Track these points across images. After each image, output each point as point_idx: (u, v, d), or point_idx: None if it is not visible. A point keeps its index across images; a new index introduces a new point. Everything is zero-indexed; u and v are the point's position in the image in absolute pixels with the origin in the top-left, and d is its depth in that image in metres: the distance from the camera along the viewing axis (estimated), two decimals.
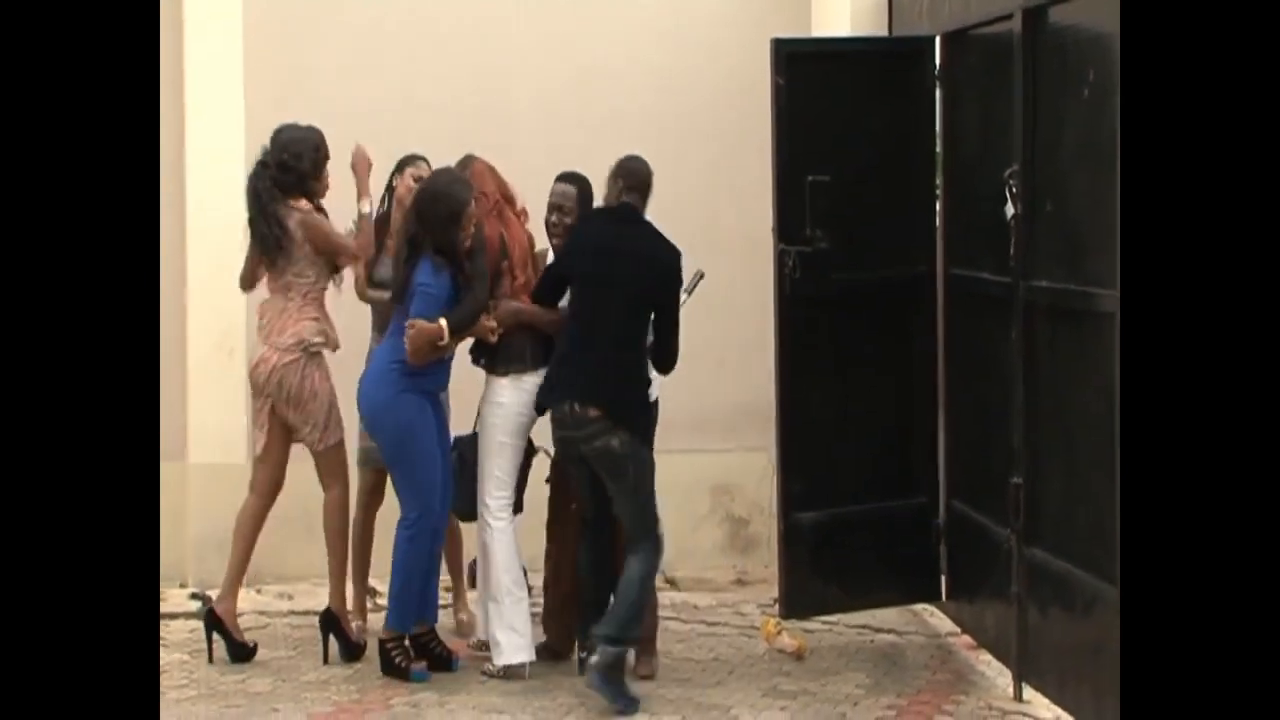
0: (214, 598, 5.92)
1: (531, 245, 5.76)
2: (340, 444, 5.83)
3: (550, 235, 5.71)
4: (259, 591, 6.67)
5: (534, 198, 5.80)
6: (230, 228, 6.71)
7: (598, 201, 5.67)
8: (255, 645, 5.85)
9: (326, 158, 5.73)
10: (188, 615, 6.39)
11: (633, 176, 5.46)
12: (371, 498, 6.05)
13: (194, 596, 6.60)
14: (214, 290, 6.76)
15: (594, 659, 5.26)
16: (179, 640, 6.07)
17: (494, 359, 5.59)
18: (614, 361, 5.34)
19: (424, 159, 5.97)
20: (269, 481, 5.85)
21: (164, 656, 5.83)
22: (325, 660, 5.76)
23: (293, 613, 6.43)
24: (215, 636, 5.80)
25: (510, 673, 5.58)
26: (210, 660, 5.78)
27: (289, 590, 6.68)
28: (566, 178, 5.66)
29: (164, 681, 5.53)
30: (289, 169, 5.65)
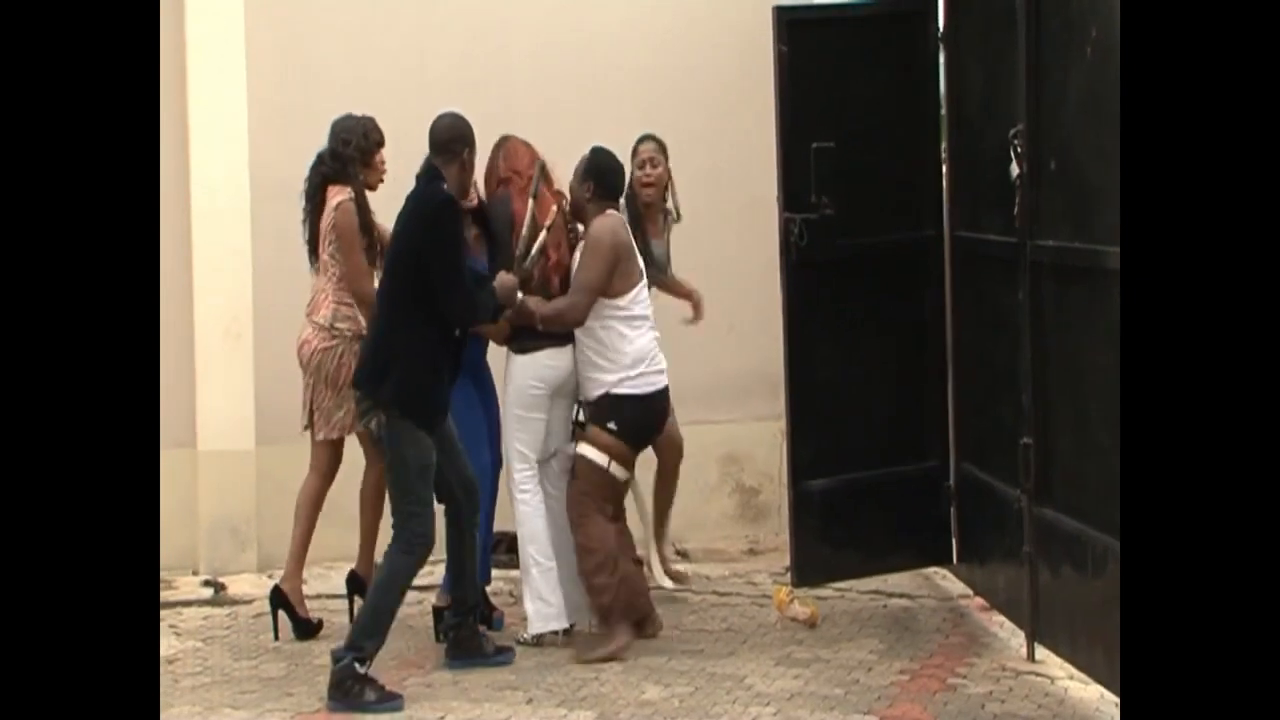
0: (281, 577, 5.97)
1: (566, 223, 5.76)
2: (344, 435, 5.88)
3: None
4: (271, 576, 6.66)
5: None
6: (236, 211, 6.74)
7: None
8: (320, 621, 5.89)
9: (378, 144, 5.74)
10: (200, 603, 6.39)
11: (430, 135, 5.33)
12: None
13: (206, 584, 6.60)
14: (221, 274, 6.76)
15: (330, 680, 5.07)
16: (192, 628, 6.07)
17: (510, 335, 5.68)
18: (380, 335, 5.19)
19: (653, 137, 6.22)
20: (327, 459, 5.89)
21: (177, 644, 5.84)
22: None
23: (305, 597, 6.39)
24: (281, 615, 5.86)
25: (542, 642, 5.63)
26: (276, 638, 5.81)
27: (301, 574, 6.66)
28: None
29: (178, 669, 5.54)
30: (337, 155, 5.71)
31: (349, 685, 5.06)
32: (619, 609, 5.56)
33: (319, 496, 5.90)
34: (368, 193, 5.76)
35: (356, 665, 5.07)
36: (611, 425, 5.52)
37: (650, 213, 6.22)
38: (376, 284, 5.54)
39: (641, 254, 5.80)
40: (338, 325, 5.72)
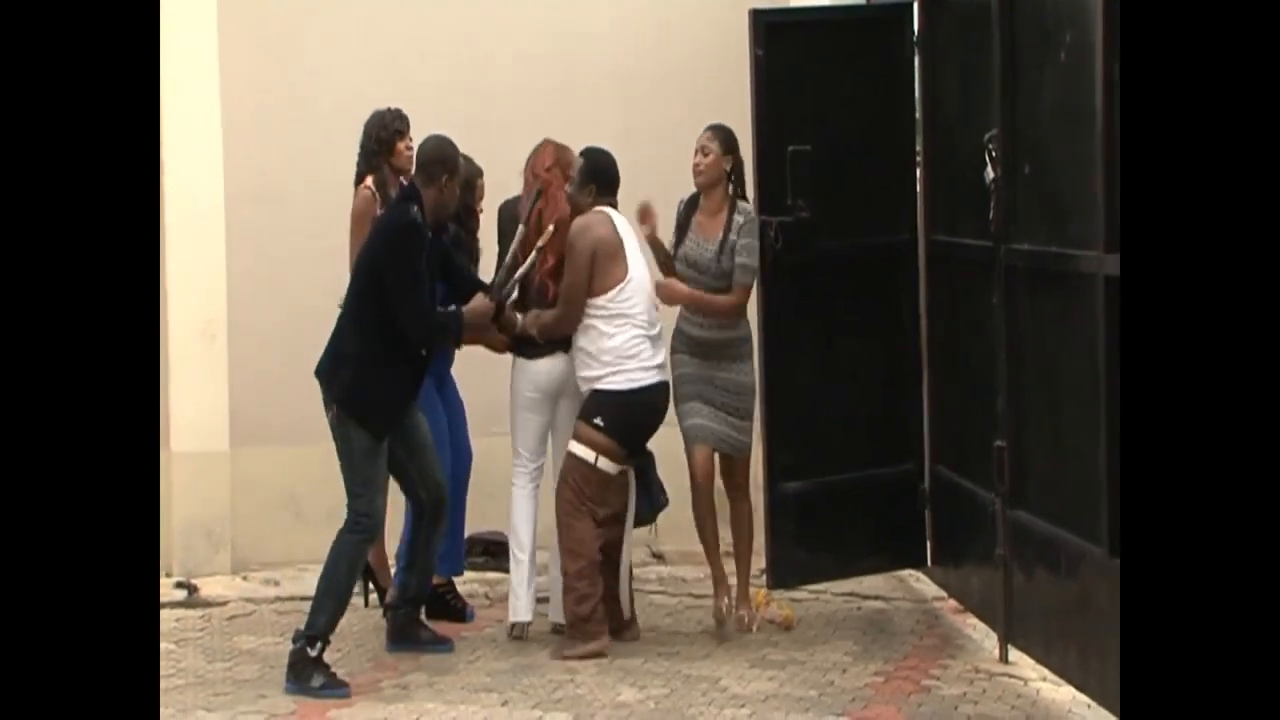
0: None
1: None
2: None
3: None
4: (245, 578, 6.66)
5: (517, 168, 5.83)
6: (210, 212, 6.72)
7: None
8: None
9: (398, 132, 5.84)
10: (174, 604, 6.36)
11: (416, 155, 5.54)
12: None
13: (180, 585, 6.57)
14: (194, 276, 6.73)
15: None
16: (166, 630, 6.03)
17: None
18: (340, 337, 5.36)
19: None
20: None
21: None
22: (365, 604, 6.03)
23: (279, 599, 6.40)
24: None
25: (516, 632, 5.76)
26: (365, 604, 5.98)
27: (275, 576, 6.65)
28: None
29: None
30: (363, 151, 5.87)
31: (300, 668, 5.24)
32: (596, 619, 5.55)
33: None
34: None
35: (308, 649, 5.24)
36: (598, 421, 5.54)
37: (708, 203, 5.81)
38: None
39: (675, 250, 5.80)
40: None
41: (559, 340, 5.67)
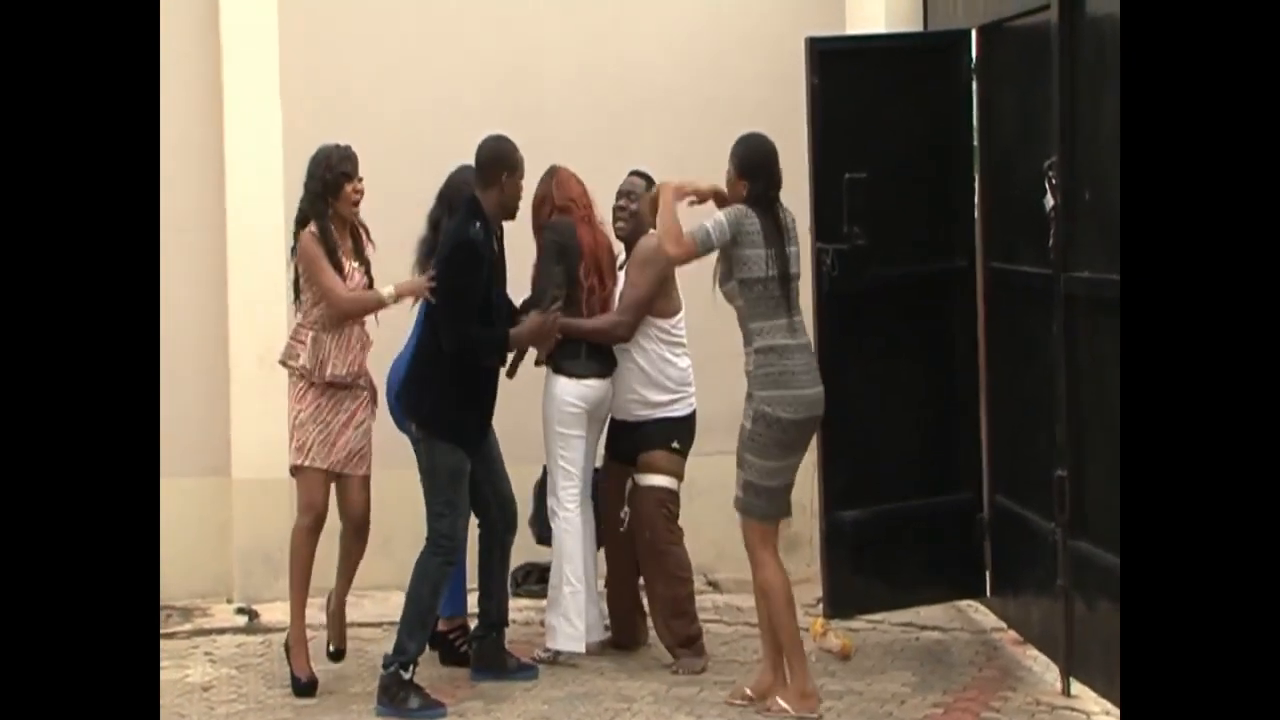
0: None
1: (611, 252, 5.86)
2: (298, 470, 5.61)
3: (615, 220, 5.86)
4: None
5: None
6: (270, 239, 6.78)
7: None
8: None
9: (344, 175, 5.46)
10: (234, 630, 6.42)
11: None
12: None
13: (240, 611, 6.62)
14: (255, 303, 6.80)
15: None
16: (226, 655, 6.10)
17: (551, 355, 5.73)
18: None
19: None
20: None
21: (212, 671, 5.87)
22: None
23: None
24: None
25: (559, 658, 5.72)
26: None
27: None
28: (639, 173, 5.84)
29: (213, 696, 5.58)
30: (306, 190, 5.51)
31: (394, 691, 5.25)
32: (702, 637, 5.67)
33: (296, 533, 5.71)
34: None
35: (401, 671, 5.25)
36: (675, 445, 5.64)
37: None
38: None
39: None
40: (289, 362, 5.58)
41: (607, 362, 5.68)
